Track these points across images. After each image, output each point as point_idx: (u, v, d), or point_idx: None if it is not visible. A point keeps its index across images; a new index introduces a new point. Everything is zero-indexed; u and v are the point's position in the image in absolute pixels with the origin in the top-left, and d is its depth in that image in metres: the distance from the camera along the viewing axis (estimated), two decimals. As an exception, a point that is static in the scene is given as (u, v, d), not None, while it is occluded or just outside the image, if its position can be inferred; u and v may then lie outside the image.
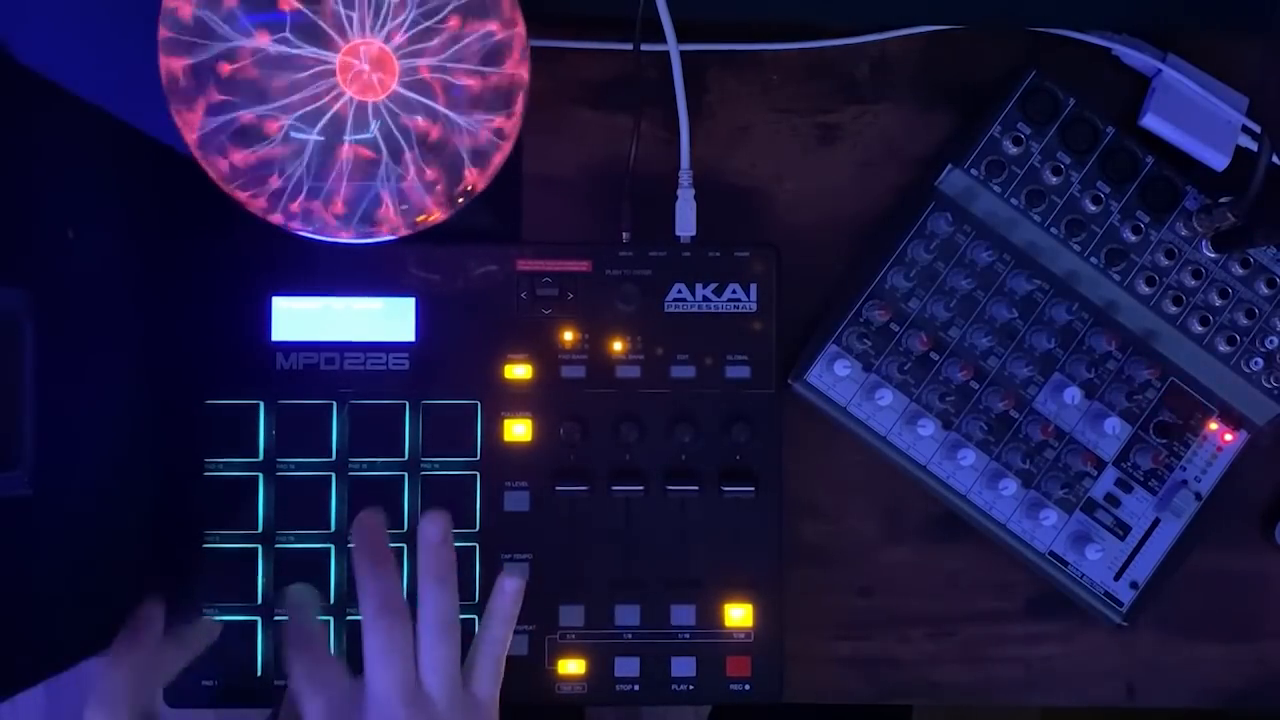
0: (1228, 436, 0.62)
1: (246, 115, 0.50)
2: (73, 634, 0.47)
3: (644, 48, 0.60)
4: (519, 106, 0.53)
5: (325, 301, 0.58)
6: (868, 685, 0.64)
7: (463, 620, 0.57)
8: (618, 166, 0.61)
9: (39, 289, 0.43)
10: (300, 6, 0.50)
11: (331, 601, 0.57)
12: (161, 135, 0.53)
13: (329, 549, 0.57)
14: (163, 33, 0.49)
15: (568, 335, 0.58)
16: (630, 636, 0.58)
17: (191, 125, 0.50)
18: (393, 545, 0.57)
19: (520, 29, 0.52)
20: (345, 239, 0.53)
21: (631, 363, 0.59)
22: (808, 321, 0.63)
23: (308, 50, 0.50)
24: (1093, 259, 0.61)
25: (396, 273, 0.58)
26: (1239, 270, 0.61)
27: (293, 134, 0.51)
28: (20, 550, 0.42)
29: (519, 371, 0.58)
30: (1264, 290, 0.61)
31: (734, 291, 0.59)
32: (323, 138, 0.51)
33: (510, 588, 0.54)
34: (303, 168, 0.51)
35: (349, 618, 0.57)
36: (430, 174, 0.52)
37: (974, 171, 0.61)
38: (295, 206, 0.52)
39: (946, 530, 0.63)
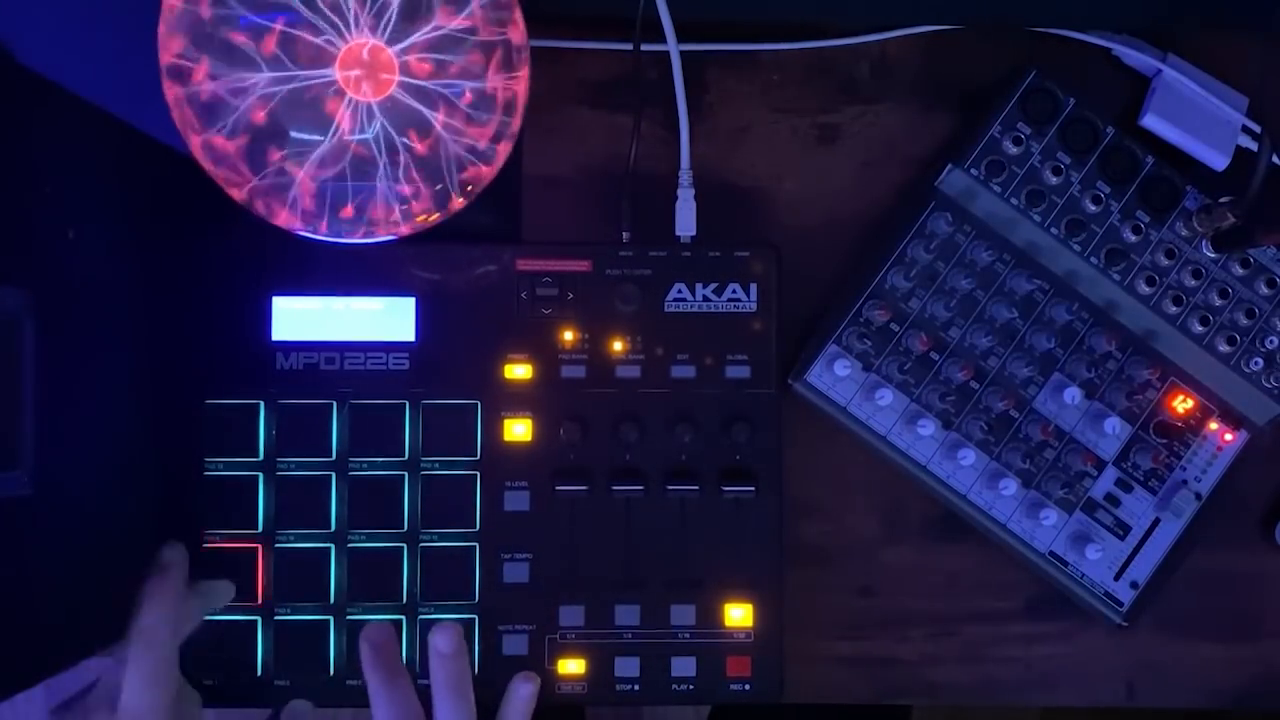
0: (1228, 436, 0.62)
1: (246, 115, 0.50)
2: (73, 634, 0.47)
3: (644, 48, 0.60)
4: (519, 107, 0.53)
5: (325, 301, 0.58)
6: (868, 685, 0.64)
7: (463, 620, 0.57)
8: (618, 166, 0.61)
9: (39, 289, 0.43)
10: (300, 7, 0.50)
11: (331, 601, 0.57)
12: (161, 135, 0.53)
13: (329, 549, 0.57)
14: (162, 38, 0.49)
15: (568, 335, 0.58)
16: (630, 636, 0.58)
17: (192, 130, 0.50)
18: (390, 546, 0.57)
19: (521, 25, 0.52)
20: (345, 239, 0.53)
21: (631, 363, 0.59)
22: (808, 321, 0.63)
23: (307, 49, 0.50)
24: (1093, 259, 0.61)
25: (396, 273, 0.58)
26: (1239, 270, 0.61)
27: (292, 135, 0.51)
28: (20, 550, 0.42)
29: (519, 371, 0.58)
30: (1264, 290, 0.61)
31: (734, 291, 0.59)
32: (322, 138, 0.51)
33: (525, 693, 0.56)
34: (302, 168, 0.51)
35: (349, 617, 0.57)
36: (430, 174, 0.52)
37: (974, 171, 0.61)
38: (296, 207, 0.52)
39: (946, 530, 0.63)
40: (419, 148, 0.52)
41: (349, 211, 0.52)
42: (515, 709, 0.56)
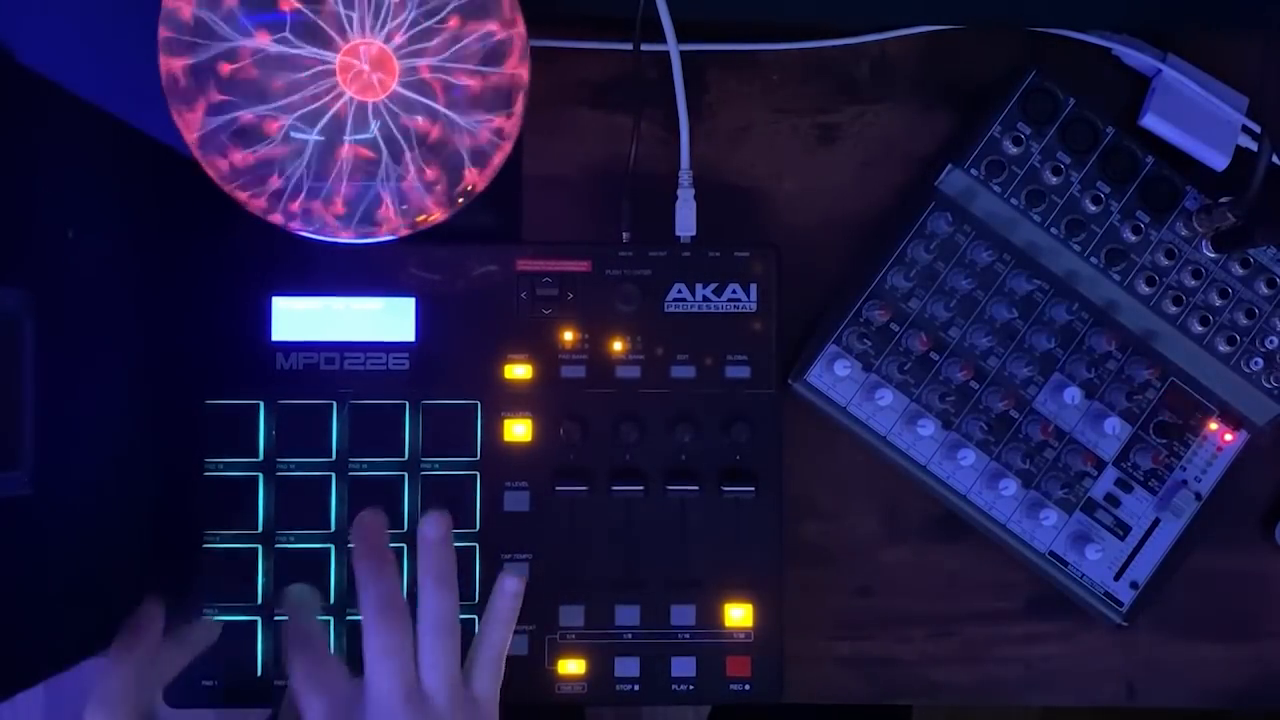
0: (1228, 436, 0.62)
1: (246, 115, 0.50)
2: (73, 634, 0.47)
3: (644, 48, 0.60)
4: (519, 106, 0.53)
5: (325, 301, 0.58)
6: (868, 685, 0.64)
7: (462, 621, 0.57)
8: (618, 166, 0.61)
9: (39, 289, 0.43)
10: (300, 6, 0.50)
11: (331, 601, 0.57)
12: (161, 135, 0.53)
13: (329, 549, 0.57)
14: (163, 33, 0.49)
15: (568, 335, 0.58)
16: (630, 636, 0.58)
17: (191, 125, 0.50)
18: (393, 545, 0.57)
19: (520, 28, 0.52)
20: (345, 239, 0.53)
21: (631, 363, 0.59)
22: (808, 321, 0.63)
23: (308, 50, 0.50)
24: (1093, 259, 0.61)
25: (396, 273, 0.58)
26: (1239, 270, 0.61)
27: (293, 134, 0.51)
28: (20, 550, 0.42)
29: (519, 371, 0.58)
30: (1264, 290, 0.61)
31: (734, 291, 0.59)
32: (323, 138, 0.51)
33: (510, 588, 0.54)
34: (303, 168, 0.51)
35: (349, 618, 0.57)
36: (430, 174, 0.52)
37: (974, 171, 0.61)
38: (295, 206, 0.52)
39: (946, 530, 0.63)
40: (419, 148, 0.52)
41: (348, 211, 0.52)
42: (500, 607, 0.53)
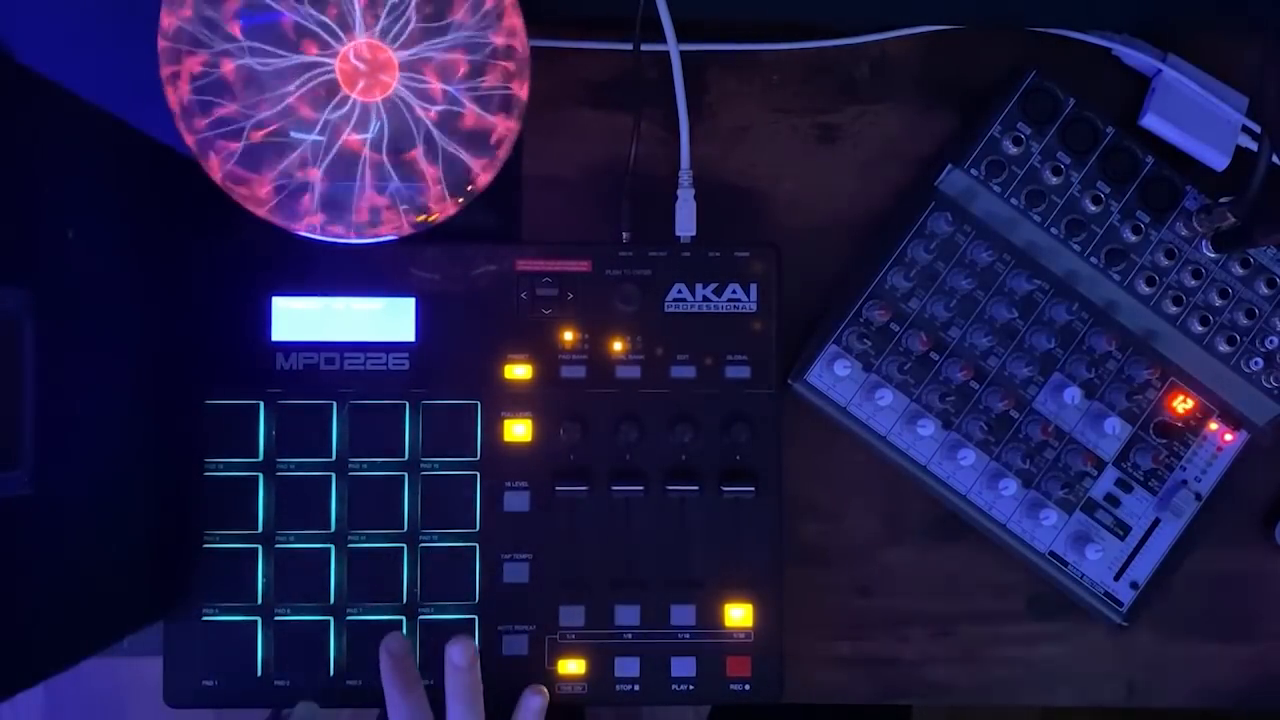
0: (1228, 436, 0.62)
1: (247, 117, 0.50)
2: (73, 634, 0.47)
3: (644, 48, 0.60)
4: (520, 105, 0.53)
5: (325, 301, 0.58)
6: (868, 685, 0.64)
7: (463, 620, 0.57)
8: (618, 166, 0.61)
9: (39, 289, 0.43)
10: (300, 8, 0.50)
11: (331, 601, 0.57)
12: (161, 135, 0.53)
13: (329, 549, 0.57)
14: (162, 44, 0.49)
15: (568, 335, 0.58)
16: (630, 636, 0.58)
17: (193, 129, 0.50)
18: (391, 546, 0.57)
19: (520, 27, 0.52)
20: (345, 239, 0.53)
21: (631, 363, 0.59)
22: (808, 321, 0.63)
23: (308, 54, 0.50)
24: (1093, 259, 0.61)
25: (396, 273, 0.58)
26: (1239, 270, 0.61)
27: (293, 135, 0.51)
28: (20, 550, 0.42)
29: (519, 371, 0.58)
30: (1264, 290, 0.61)
31: (734, 291, 0.59)
32: (323, 138, 0.51)
33: (535, 705, 0.55)
34: (302, 169, 0.51)
35: (349, 617, 0.57)
36: (430, 173, 0.52)
37: (974, 171, 0.61)
38: (295, 207, 0.52)
39: (946, 530, 0.63)
40: (420, 148, 0.52)
41: (348, 211, 0.52)
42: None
